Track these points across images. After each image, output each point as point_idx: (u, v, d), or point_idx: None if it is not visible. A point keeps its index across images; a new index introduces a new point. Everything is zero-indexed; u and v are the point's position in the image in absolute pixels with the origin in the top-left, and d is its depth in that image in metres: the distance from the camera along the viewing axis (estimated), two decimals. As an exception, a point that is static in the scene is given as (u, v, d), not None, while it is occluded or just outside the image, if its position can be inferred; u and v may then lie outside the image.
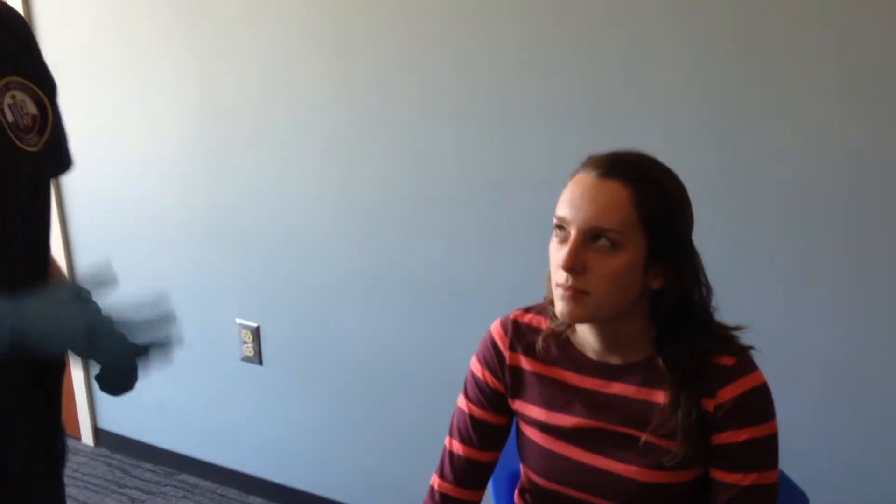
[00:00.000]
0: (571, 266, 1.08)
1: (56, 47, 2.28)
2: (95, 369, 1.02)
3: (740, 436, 1.12)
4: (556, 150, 1.87)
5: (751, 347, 1.18)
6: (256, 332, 2.42)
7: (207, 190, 2.35)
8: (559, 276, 1.10)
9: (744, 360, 1.15)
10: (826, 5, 1.55)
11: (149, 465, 2.75)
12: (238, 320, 2.44)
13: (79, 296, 0.97)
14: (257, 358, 2.44)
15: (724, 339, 1.17)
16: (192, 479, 2.68)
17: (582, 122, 1.83)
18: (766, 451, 1.14)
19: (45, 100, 1.08)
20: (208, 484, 2.65)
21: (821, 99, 1.60)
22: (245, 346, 2.45)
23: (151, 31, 2.28)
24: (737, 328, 1.19)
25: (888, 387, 1.66)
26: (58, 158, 1.15)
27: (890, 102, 1.55)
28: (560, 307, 1.11)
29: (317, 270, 2.28)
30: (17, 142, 1.02)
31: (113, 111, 2.41)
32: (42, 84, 1.10)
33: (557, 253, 1.11)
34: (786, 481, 1.22)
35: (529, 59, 1.85)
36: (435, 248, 2.08)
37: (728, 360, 1.14)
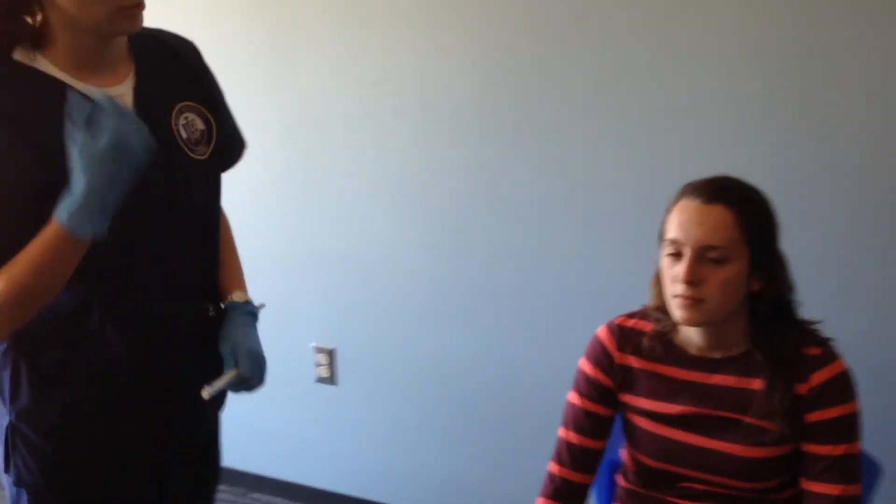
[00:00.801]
0: (690, 279, 1.29)
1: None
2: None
3: (831, 413, 1.33)
4: (624, 169, 2.09)
5: (831, 339, 1.39)
6: (331, 354, 2.60)
7: (284, 222, 2.55)
8: (677, 289, 1.31)
9: (828, 350, 1.37)
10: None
11: (223, 486, 2.92)
12: (313, 343, 2.62)
13: (82, 137, 1.09)
14: (331, 379, 2.63)
15: (808, 332, 1.39)
16: (266, 498, 2.84)
17: (653, 140, 2.05)
18: (852, 425, 1.35)
19: (210, 116, 1.33)
20: (281, 501, 2.82)
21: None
22: (320, 367, 2.63)
23: (235, 70, 2.48)
24: (816, 322, 1.41)
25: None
26: (228, 154, 1.41)
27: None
28: (679, 314, 1.32)
29: (390, 291, 2.47)
30: (190, 154, 1.28)
31: None
32: (208, 101, 1.35)
33: (672, 269, 1.32)
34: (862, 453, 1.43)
35: (587, 89, 2.07)
36: (507, 267, 2.28)
37: (815, 350, 1.36)
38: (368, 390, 2.60)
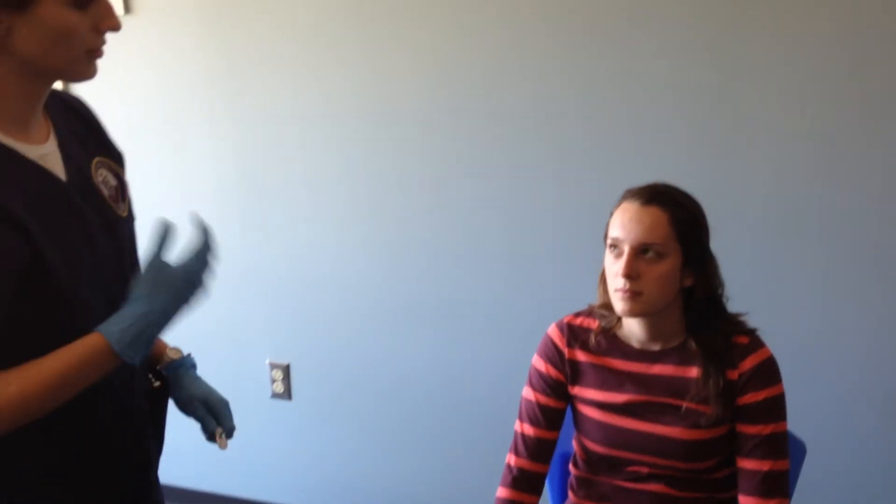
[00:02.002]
0: (628, 273, 1.42)
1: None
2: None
3: (759, 395, 1.47)
4: (563, 187, 2.23)
5: (756, 329, 1.54)
6: (286, 370, 2.67)
7: (238, 236, 2.61)
8: (617, 283, 1.44)
9: (755, 339, 1.52)
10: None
11: (179, 506, 2.94)
12: (267, 359, 2.69)
13: (161, 262, 1.12)
14: (287, 394, 2.69)
15: (736, 323, 1.54)
16: (223, 515, 2.87)
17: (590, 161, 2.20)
18: (779, 406, 1.49)
19: (120, 171, 1.30)
20: (238, 518, 2.85)
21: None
22: (275, 383, 2.70)
23: (190, 103, 2.55)
24: (742, 314, 1.55)
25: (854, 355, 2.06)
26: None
27: None
28: (620, 306, 1.45)
29: (341, 306, 2.55)
30: (115, 211, 1.23)
31: (151, 168, 2.59)
32: (114, 158, 1.29)
33: (614, 265, 1.45)
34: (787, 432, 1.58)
35: (550, 104, 2.21)
36: (453, 280, 2.40)
37: (743, 339, 1.50)
38: (324, 404, 2.67)
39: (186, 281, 1.11)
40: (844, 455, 2.13)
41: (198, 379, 1.39)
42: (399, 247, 2.44)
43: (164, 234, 1.13)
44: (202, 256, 1.15)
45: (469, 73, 2.25)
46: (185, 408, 1.38)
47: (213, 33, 2.47)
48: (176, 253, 1.15)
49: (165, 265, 1.10)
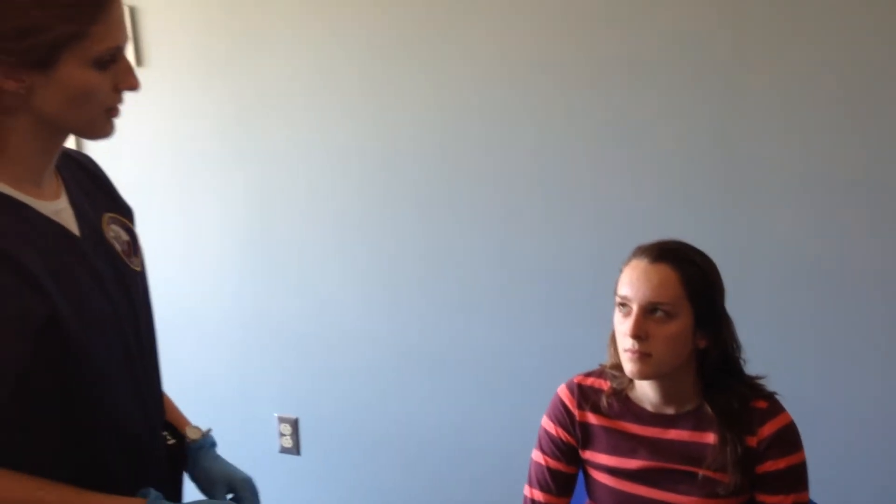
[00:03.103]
0: (636, 334, 1.36)
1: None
2: None
3: (780, 464, 1.40)
4: (568, 242, 2.17)
5: (775, 393, 1.47)
6: (294, 424, 2.62)
7: (248, 289, 2.58)
8: (626, 343, 1.38)
9: (774, 403, 1.44)
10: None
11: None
12: (276, 413, 2.63)
13: None
14: (295, 449, 2.63)
15: (754, 386, 1.46)
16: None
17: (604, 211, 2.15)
18: (800, 474, 1.42)
19: (131, 226, 1.28)
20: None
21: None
22: (283, 437, 2.64)
23: (199, 154, 2.54)
24: (761, 377, 1.48)
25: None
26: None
27: None
28: (629, 368, 1.39)
29: (351, 361, 2.50)
30: (129, 266, 1.22)
31: (161, 221, 2.60)
32: (124, 213, 1.28)
33: (622, 324, 1.39)
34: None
35: (555, 154, 2.17)
36: (459, 333, 2.34)
37: (762, 404, 1.43)
38: (332, 459, 2.61)
39: None
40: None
41: (218, 458, 1.35)
42: (405, 301, 2.39)
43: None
44: None
45: (472, 127, 2.22)
46: (207, 490, 1.33)
47: (222, 82, 2.46)
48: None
49: None
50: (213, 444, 1.37)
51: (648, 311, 1.37)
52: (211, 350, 2.67)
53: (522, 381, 2.29)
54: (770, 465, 1.40)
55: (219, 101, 2.48)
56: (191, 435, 1.35)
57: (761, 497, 1.42)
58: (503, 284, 2.28)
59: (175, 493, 1.30)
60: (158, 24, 2.48)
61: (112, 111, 1.10)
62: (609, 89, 2.07)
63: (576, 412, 1.53)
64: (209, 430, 1.38)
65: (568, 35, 2.09)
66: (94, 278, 1.12)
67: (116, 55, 1.06)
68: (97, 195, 1.24)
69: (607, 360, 1.52)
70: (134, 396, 1.18)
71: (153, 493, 1.13)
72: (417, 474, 2.49)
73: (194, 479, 1.35)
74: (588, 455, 1.53)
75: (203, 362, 2.68)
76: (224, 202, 2.55)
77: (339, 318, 2.49)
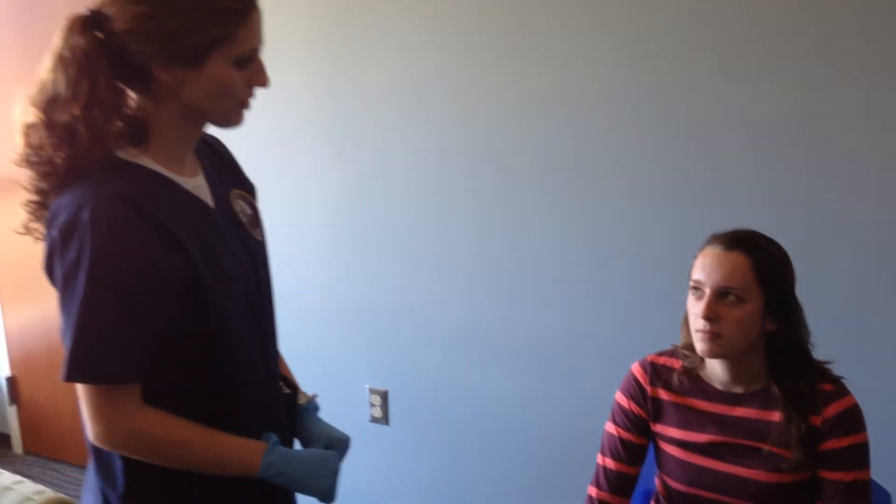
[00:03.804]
0: (708, 315, 1.46)
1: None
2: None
3: (843, 442, 1.48)
4: (647, 232, 2.27)
5: (842, 377, 1.55)
6: (384, 396, 2.79)
7: (345, 272, 2.77)
8: (698, 324, 1.48)
9: (840, 386, 1.52)
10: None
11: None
12: (367, 385, 2.82)
13: (335, 464, 1.33)
14: (385, 419, 2.81)
15: (821, 370, 1.55)
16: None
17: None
18: (862, 454, 1.50)
19: (253, 201, 1.46)
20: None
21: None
22: (374, 408, 2.82)
23: (302, 148, 2.74)
24: (828, 362, 1.56)
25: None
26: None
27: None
28: (700, 347, 1.49)
29: (440, 337, 2.66)
30: (253, 236, 1.39)
31: (266, 206, 2.81)
32: (248, 189, 1.46)
33: (695, 306, 1.50)
34: (871, 480, 1.56)
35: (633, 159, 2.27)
36: (539, 317, 2.47)
37: (828, 386, 1.51)
38: (419, 431, 2.77)
39: (328, 490, 1.32)
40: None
41: (320, 421, 1.51)
42: (500, 283, 2.53)
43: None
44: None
45: (552, 121, 2.34)
46: (308, 445, 1.49)
47: (324, 82, 2.65)
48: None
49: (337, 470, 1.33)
50: (316, 408, 1.54)
51: (720, 295, 1.47)
52: (311, 327, 2.86)
53: (601, 363, 2.40)
54: (833, 444, 1.49)
55: (320, 98, 2.67)
56: (300, 400, 1.52)
57: (824, 473, 1.50)
58: (587, 272, 2.39)
59: (289, 434, 1.47)
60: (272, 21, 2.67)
61: (244, 104, 1.27)
62: (695, 77, 2.16)
63: (648, 388, 1.65)
64: (315, 395, 1.56)
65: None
66: (225, 245, 1.30)
67: (253, 56, 1.23)
68: (225, 173, 1.42)
69: (680, 341, 1.63)
70: (258, 347, 1.36)
71: (273, 437, 1.30)
72: (496, 446, 2.63)
73: (299, 437, 1.51)
74: (659, 428, 1.64)
75: (303, 338, 2.87)
76: (322, 194, 2.75)
77: (428, 300, 2.65)
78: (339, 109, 2.67)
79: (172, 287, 1.19)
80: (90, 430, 1.21)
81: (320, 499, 1.33)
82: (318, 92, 2.69)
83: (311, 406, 1.53)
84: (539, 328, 2.49)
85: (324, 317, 2.85)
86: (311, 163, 2.76)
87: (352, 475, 2.87)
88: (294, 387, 1.51)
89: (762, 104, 2.09)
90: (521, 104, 2.39)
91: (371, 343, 2.80)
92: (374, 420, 2.83)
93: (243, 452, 1.26)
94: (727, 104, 2.13)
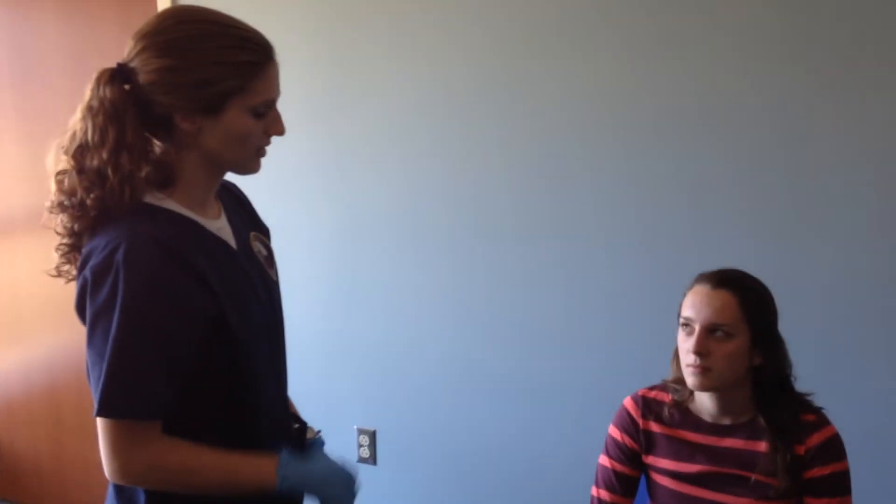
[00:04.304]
0: (699, 351, 1.55)
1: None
2: None
3: (825, 470, 1.56)
4: (652, 274, 2.36)
5: (822, 408, 1.64)
6: (373, 436, 2.83)
7: (332, 308, 2.82)
8: (689, 359, 1.57)
9: (821, 417, 1.61)
10: None
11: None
12: (355, 425, 2.85)
13: (349, 472, 1.38)
14: (373, 459, 2.84)
15: (803, 401, 1.64)
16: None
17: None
18: (844, 481, 1.58)
19: (269, 243, 1.53)
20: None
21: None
22: (362, 448, 2.85)
23: (293, 190, 2.81)
24: (809, 393, 1.65)
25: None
26: None
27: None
28: (691, 381, 1.57)
29: (428, 378, 2.71)
30: (270, 276, 1.48)
31: None
32: (264, 232, 1.55)
33: (686, 342, 1.58)
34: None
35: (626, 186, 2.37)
36: (536, 353, 2.53)
37: (811, 417, 1.60)
38: (408, 471, 2.81)
39: (345, 498, 1.37)
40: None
41: (326, 456, 1.54)
42: (485, 322, 2.60)
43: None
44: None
45: (557, 159, 2.44)
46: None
47: (320, 122, 2.74)
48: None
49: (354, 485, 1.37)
50: (322, 443, 1.59)
51: (710, 331, 1.56)
52: (299, 366, 2.87)
53: (592, 399, 2.47)
54: (817, 472, 1.57)
55: (316, 138, 2.75)
56: (308, 434, 1.57)
57: (809, 500, 1.58)
58: (570, 310, 2.47)
59: None
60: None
61: (261, 151, 1.34)
62: (671, 125, 2.28)
63: (640, 421, 1.72)
64: (320, 431, 1.61)
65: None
66: (248, 284, 1.36)
67: (270, 106, 1.30)
68: (244, 216, 1.49)
69: (669, 376, 1.71)
70: (275, 384, 1.42)
71: (285, 451, 1.34)
72: (488, 488, 2.67)
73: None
74: (650, 460, 1.71)
75: (292, 377, 2.88)
76: (317, 230, 2.81)
77: (419, 337, 2.71)
78: (333, 153, 2.74)
79: (201, 326, 1.24)
80: (108, 466, 1.24)
81: None
82: (313, 134, 2.76)
83: (318, 441, 1.58)
84: (529, 367, 2.55)
85: (313, 357, 2.89)
86: (304, 203, 2.82)
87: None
88: (303, 423, 1.56)
89: (740, 149, 2.21)
90: (527, 159, 2.49)
91: (359, 383, 2.84)
92: (362, 460, 2.86)
93: (259, 469, 1.29)
94: (704, 150, 2.25)
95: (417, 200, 2.64)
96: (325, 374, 2.88)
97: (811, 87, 2.12)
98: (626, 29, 2.30)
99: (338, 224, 2.78)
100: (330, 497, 1.36)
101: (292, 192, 2.82)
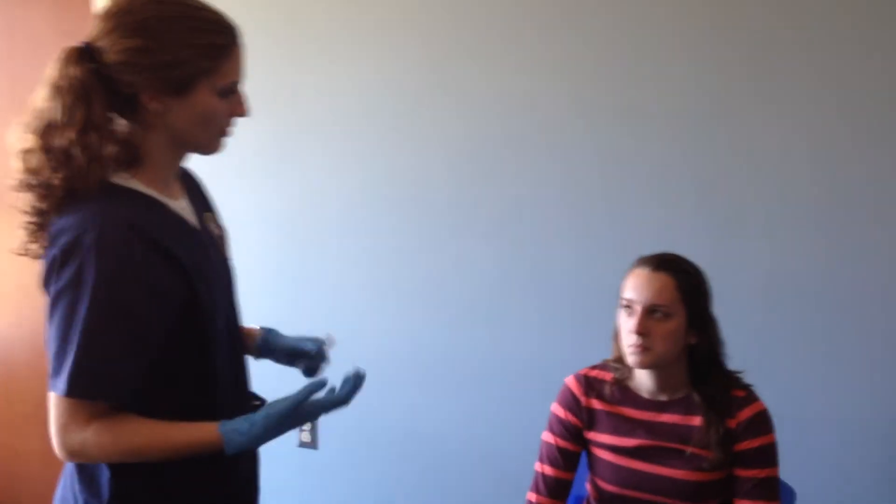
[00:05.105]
0: (640, 331, 1.63)
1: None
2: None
3: (755, 443, 1.67)
4: (581, 257, 2.45)
5: (751, 385, 1.74)
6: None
7: (277, 292, 2.83)
8: (630, 339, 1.65)
9: (750, 393, 1.72)
10: None
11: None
12: (297, 411, 2.87)
13: (299, 405, 1.33)
14: (313, 444, 2.87)
15: (734, 378, 1.74)
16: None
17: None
18: (772, 453, 1.69)
19: (221, 223, 1.55)
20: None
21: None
22: (303, 432, 2.87)
23: (242, 161, 2.81)
24: (739, 371, 1.76)
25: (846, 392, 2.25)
26: None
27: None
28: (632, 360, 1.66)
29: (368, 362, 2.74)
30: (225, 253, 1.51)
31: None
32: (215, 213, 1.56)
33: (627, 322, 1.66)
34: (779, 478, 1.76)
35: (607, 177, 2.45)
36: (473, 336, 2.61)
37: (740, 393, 1.71)
38: (349, 454, 2.84)
39: (310, 415, 1.34)
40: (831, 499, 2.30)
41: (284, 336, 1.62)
42: (424, 308, 2.66)
43: (356, 383, 1.41)
44: (334, 406, 1.38)
45: (499, 158, 2.50)
46: (293, 354, 1.63)
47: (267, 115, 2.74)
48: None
49: (308, 406, 1.33)
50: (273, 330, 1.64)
51: (650, 312, 1.65)
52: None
53: (521, 380, 2.55)
54: (746, 444, 1.67)
55: (260, 121, 2.74)
56: (257, 332, 1.62)
57: (739, 471, 1.69)
58: (523, 297, 2.54)
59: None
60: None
61: (224, 132, 1.36)
62: (637, 122, 2.37)
63: (582, 398, 1.80)
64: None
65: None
66: (210, 263, 1.38)
67: (235, 88, 1.33)
68: (198, 196, 1.51)
69: (611, 355, 1.79)
70: (234, 362, 1.44)
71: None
72: (427, 470, 2.74)
73: (278, 355, 1.63)
74: (592, 435, 1.79)
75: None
76: (263, 215, 2.82)
77: (358, 322, 2.75)
78: (281, 140, 2.75)
79: (174, 307, 1.27)
80: (53, 441, 1.25)
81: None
82: (264, 124, 2.75)
83: (273, 330, 1.63)
84: (467, 350, 2.62)
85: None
86: (252, 189, 2.82)
87: (280, 500, 2.92)
88: (262, 400, 1.59)
89: (690, 142, 2.31)
90: (476, 154, 2.55)
91: (300, 368, 2.86)
92: (303, 444, 2.89)
93: (201, 430, 1.28)
94: (651, 144, 2.35)
95: (363, 186, 2.68)
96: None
97: (738, 80, 2.24)
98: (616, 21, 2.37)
99: (286, 210, 2.79)
100: (288, 426, 1.34)
101: (242, 179, 2.82)
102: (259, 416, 1.30)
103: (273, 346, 1.62)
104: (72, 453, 1.26)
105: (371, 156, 2.65)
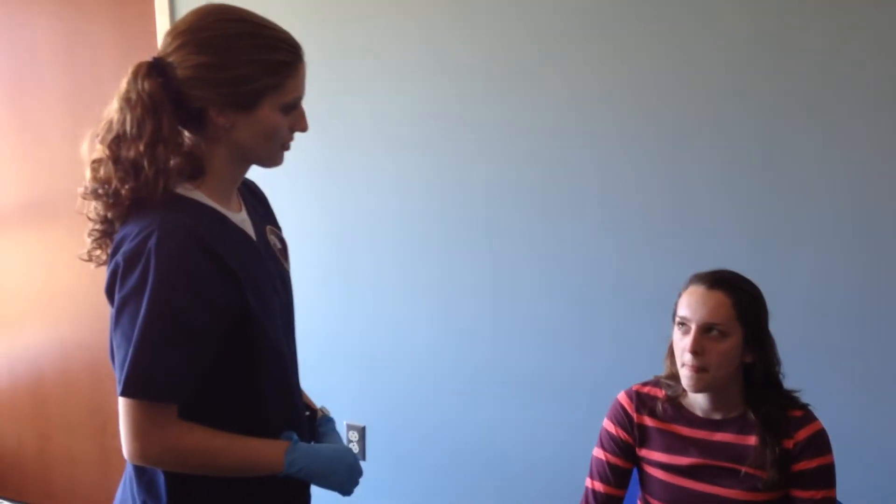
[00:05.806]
0: (694, 350, 1.62)
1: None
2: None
3: (812, 463, 1.64)
4: (624, 271, 2.44)
5: (809, 404, 1.72)
6: (363, 432, 2.88)
7: (323, 306, 2.86)
8: (685, 358, 1.64)
9: (808, 412, 1.69)
10: None
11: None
12: (346, 421, 2.90)
13: (353, 458, 1.46)
14: (362, 454, 2.89)
15: (791, 397, 1.72)
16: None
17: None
18: (829, 474, 1.66)
19: (283, 237, 1.59)
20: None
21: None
22: (351, 444, 2.90)
23: (288, 190, 2.85)
24: (796, 390, 1.73)
25: None
26: None
27: None
28: (686, 381, 1.64)
29: (415, 374, 2.77)
30: (285, 266, 1.54)
31: None
32: (278, 227, 1.60)
33: (682, 341, 1.65)
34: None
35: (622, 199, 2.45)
36: (516, 350, 2.60)
37: (798, 412, 1.68)
38: (397, 467, 2.86)
39: (347, 484, 1.46)
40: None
41: (334, 437, 1.63)
42: (472, 320, 2.66)
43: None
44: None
45: (532, 159, 2.51)
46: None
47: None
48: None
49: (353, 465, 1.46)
50: (330, 420, 1.65)
51: (705, 331, 1.63)
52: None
53: (574, 396, 2.54)
54: (804, 465, 1.65)
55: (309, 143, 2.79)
56: (318, 415, 1.64)
57: (796, 492, 1.66)
58: (562, 306, 2.53)
59: None
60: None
61: (285, 146, 1.40)
62: (670, 130, 2.35)
63: (634, 415, 1.79)
64: (323, 407, 1.69)
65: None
66: (267, 276, 1.41)
67: (297, 103, 1.36)
68: (260, 210, 1.55)
69: (664, 372, 1.78)
70: (290, 372, 1.47)
71: (294, 436, 1.39)
72: (478, 483, 2.73)
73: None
74: (644, 453, 1.78)
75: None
76: (307, 230, 2.86)
77: (405, 335, 2.76)
78: (325, 155, 2.79)
79: (227, 315, 1.29)
80: (127, 447, 1.28)
81: (340, 492, 1.45)
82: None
83: (326, 419, 1.64)
84: (521, 362, 2.61)
85: (304, 353, 2.90)
86: (296, 203, 2.86)
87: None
88: (314, 409, 1.61)
89: (723, 155, 2.29)
90: (512, 158, 2.55)
91: (349, 379, 2.89)
92: (352, 455, 2.91)
93: (269, 452, 1.35)
94: (694, 154, 2.33)
95: (408, 201, 2.70)
96: (317, 370, 2.91)
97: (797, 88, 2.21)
98: (625, 29, 2.37)
99: (329, 225, 2.82)
100: (334, 483, 1.43)
101: (288, 193, 2.86)
102: (319, 451, 1.40)
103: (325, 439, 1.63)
104: (151, 457, 1.29)
105: (415, 170, 2.68)
